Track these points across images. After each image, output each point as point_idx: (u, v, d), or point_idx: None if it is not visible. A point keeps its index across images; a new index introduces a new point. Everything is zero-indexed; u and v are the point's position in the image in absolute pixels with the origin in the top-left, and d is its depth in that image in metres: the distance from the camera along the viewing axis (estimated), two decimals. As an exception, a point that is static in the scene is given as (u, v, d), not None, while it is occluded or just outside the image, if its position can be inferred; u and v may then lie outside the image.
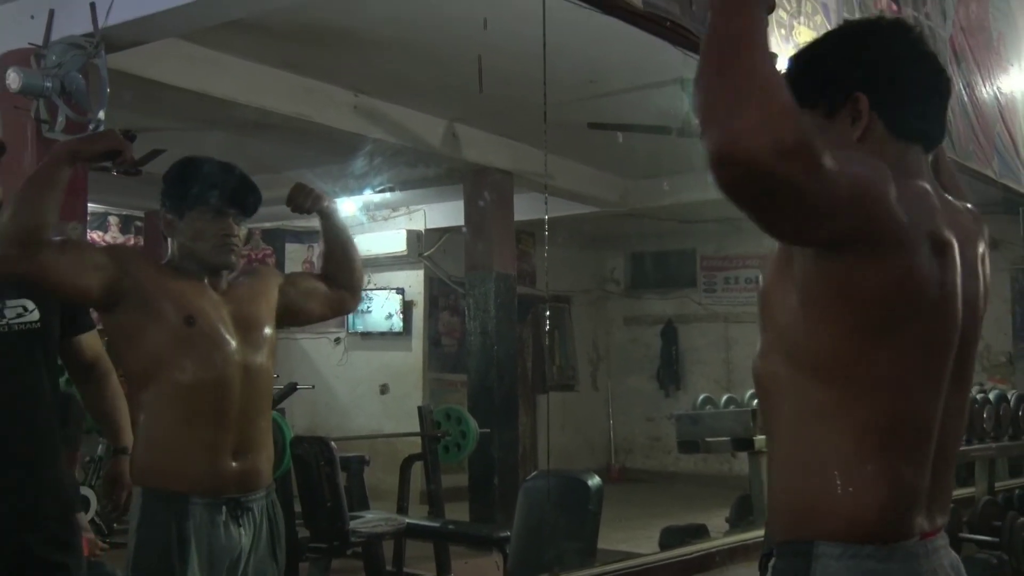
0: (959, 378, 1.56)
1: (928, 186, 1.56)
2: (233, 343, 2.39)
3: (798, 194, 1.30)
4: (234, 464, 2.37)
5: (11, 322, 2.39)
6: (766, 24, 1.40)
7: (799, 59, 1.66)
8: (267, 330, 2.50)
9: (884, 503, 1.46)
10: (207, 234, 2.41)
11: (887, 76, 1.56)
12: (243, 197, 2.47)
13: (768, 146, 1.25)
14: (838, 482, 1.45)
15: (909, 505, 1.49)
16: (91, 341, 2.67)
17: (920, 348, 1.47)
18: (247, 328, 2.44)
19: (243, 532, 2.39)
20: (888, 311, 1.44)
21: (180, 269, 2.43)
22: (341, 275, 2.66)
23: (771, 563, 1.53)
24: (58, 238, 2.24)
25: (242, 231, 2.49)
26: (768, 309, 1.56)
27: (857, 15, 3.99)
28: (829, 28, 3.88)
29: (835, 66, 1.59)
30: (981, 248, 1.62)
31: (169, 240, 2.48)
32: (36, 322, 2.41)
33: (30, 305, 2.42)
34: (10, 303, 2.39)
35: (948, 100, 1.66)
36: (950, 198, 1.62)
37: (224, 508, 2.35)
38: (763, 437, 5.11)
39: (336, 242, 2.68)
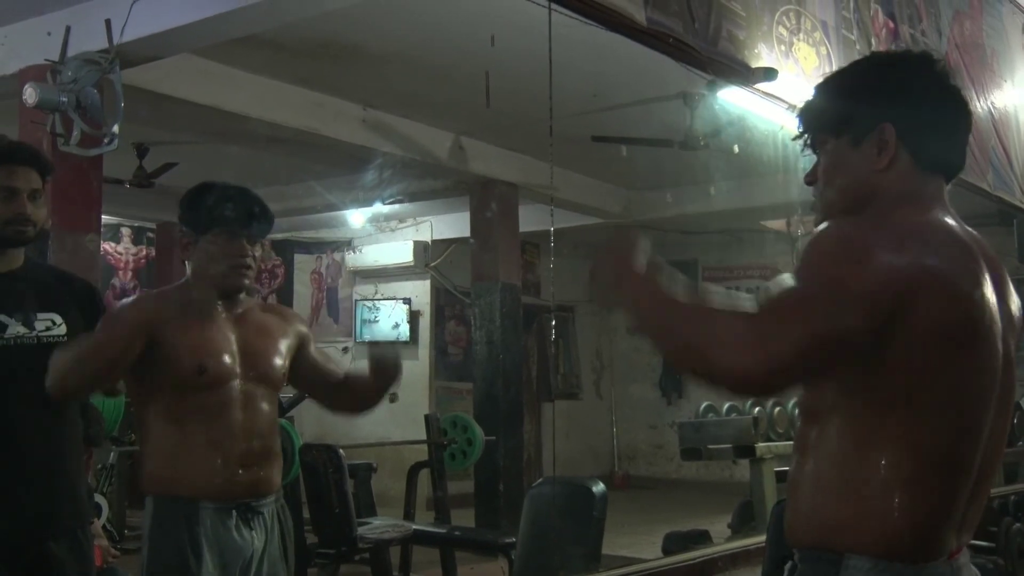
0: (1002, 401, 1.57)
1: (946, 216, 1.58)
2: (239, 377, 2.44)
3: (787, 379, 1.49)
4: (242, 472, 2.42)
5: (40, 335, 2.44)
6: (664, 293, 1.56)
7: (825, 87, 1.68)
8: (277, 362, 2.53)
9: (920, 525, 1.48)
10: (221, 257, 2.45)
11: (915, 107, 1.58)
12: (255, 219, 2.50)
13: (739, 383, 1.46)
14: (878, 501, 1.47)
15: (944, 527, 1.51)
16: None
17: (970, 375, 1.49)
18: (254, 360, 2.48)
19: (255, 535, 2.44)
20: (940, 349, 1.45)
21: (195, 296, 2.47)
22: (349, 400, 2.71)
23: (795, 568, 1.56)
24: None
25: (257, 252, 2.52)
26: None
27: (855, 33, 4.07)
28: (828, 44, 3.97)
29: (863, 96, 1.60)
30: (1004, 269, 1.62)
31: (186, 262, 2.53)
32: (63, 336, 2.45)
33: (58, 319, 2.47)
34: (41, 315, 2.44)
35: (969, 133, 1.66)
36: (967, 227, 1.62)
37: (234, 512, 2.41)
38: (764, 444, 5.19)
39: (370, 392, 2.65)
